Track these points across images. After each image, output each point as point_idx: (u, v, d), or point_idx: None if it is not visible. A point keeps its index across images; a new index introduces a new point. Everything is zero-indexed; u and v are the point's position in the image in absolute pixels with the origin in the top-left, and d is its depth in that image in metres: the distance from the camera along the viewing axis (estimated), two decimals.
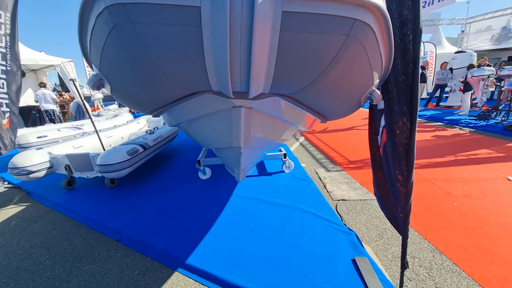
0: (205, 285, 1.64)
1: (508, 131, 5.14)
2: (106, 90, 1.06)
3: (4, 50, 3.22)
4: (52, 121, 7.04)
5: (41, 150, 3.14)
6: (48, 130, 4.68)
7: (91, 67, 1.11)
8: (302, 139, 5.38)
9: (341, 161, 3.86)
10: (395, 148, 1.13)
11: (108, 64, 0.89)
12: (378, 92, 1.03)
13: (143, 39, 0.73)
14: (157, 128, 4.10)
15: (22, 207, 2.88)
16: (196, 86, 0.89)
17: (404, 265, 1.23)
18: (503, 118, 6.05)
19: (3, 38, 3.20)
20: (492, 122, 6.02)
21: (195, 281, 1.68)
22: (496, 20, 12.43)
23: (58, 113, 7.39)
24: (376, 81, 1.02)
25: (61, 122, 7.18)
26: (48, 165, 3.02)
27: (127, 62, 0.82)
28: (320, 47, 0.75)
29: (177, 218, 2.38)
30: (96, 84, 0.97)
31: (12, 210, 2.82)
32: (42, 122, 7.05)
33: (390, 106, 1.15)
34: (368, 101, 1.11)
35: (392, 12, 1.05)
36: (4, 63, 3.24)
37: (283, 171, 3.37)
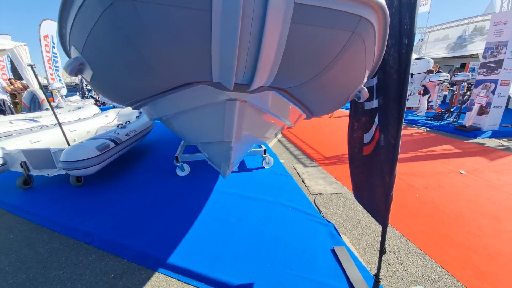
0: (189, 284, 1.60)
1: (458, 130, 5.83)
2: (85, 77, 0.96)
3: None
4: (2, 112, 6.19)
5: None
6: None
7: (66, 51, 0.99)
8: (279, 135, 5.49)
9: (317, 157, 4.02)
10: (387, 143, 1.22)
11: (95, 47, 0.80)
12: (366, 89, 1.10)
13: (145, 20, 0.67)
14: (129, 122, 3.85)
15: None
16: (195, 75, 0.85)
17: (382, 251, 1.34)
18: (455, 119, 6.84)
19: None
20: (445, 123, 6.77)
21: (178, 280, 1.63)
22: (453, 29, 13.81)
23: (9, 104, 6.52)
24: (365, 79, 1.08)
25: (12, 113, 6.34)
26: (0, 161, 2.66)
27: (121, 45, 0.74)
28: (326, 42, 0.76)
29: (155, 216, 2.27)
30: (76, 69, 0.87)
31: None
32: None
33: (386, 105, 1.23)
34: (355, 98, 1.17)
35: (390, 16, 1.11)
36: None
37: (263, 167, 3.41)
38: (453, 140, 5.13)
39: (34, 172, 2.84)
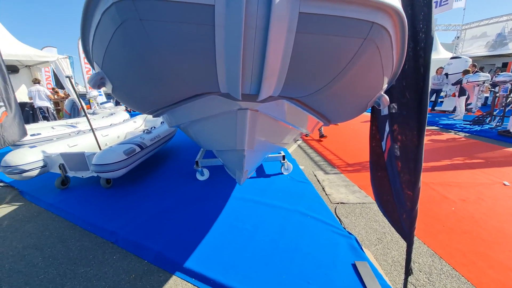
0: None
1: (502, 136, 5.23)
2: (107, 89, 1.03)
3: None
4: (46, 118, 6.91)
5: (35, 148, 3.06)
6: (42, 127, 4.58)
7: (91, 65, 1.08)
8: (300, 141, 5.38)
9: (339, 163, 3.86)
10: (403, 153, 1.12)
11: (112, 63, 0.85)
12: (386, 97, 1.03)
13: (153, 37, 0.70)
14: (154, 127, 4.05)
15: (14, 207, 2.80)
16: (203, 87, 0.86)
17: (408, 271, 1.23)
18: (498, 124, 6.16)
19: None
20: (487, 127, 6.12)
21: (194, 285, 1.64)
22: (491, 27, 12.70)
23: (52, 111, 7.25)
24: (385, 85, 1.01)
25: (55, 119, 7.05)
26: (41, 164, 2.95)
27: (134, 60, 0.79)
28: (336, 50, 0.73)
29: (175, 220, 2.34)
30: (98, 83, 0.94)
31: (4, 209, 2.74)
32: (35, 120, 6.92)
33: (399, 112, 1.14)
34: (375, 105, 1.10)
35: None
36: None
37: (282, 173, 3.35)
38: (496, 147, 4.60)
39: (70, 174, 3.10)
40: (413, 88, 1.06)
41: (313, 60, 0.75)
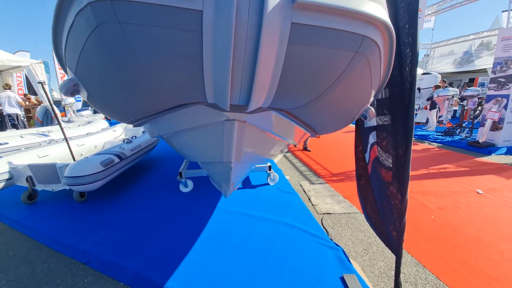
0: None
1: (472, 146, 5.62)
2: (82, 97, 0.95)
3: None
4: (15, 126, 6.40)
5: (0, 159, 2.79)
6: (10, 136, 4.21)
7: (65, 70, 0.99)
8: (286, 150, 5.41)
9: (324, 173, 3.91)
10: (390, 164, 1.14)
11: (86, 68, 0.78)
12: (373, 109, 1.05)
13: (133, 42, 0.64)
14: (135, 136, 3.88)
15: None
16: (189, 97, 0.82)
17: (397, 285, 1.22)
18: (467, 135, 6.62)
19: None
20: (457, 138, 6.55)
21: None
22: (459, 45, 13.90)
23: (22, 118, 6.75)
24: (372, 98, 1.03)
25: (25, 127, 6.55)
26: (7, 176, 2.68)
27: (111, 67, 0.72)
28: (328, 63, 0.72)
29: (156, 235, 2.19)
30: (71, 89, 0.85)
31: None
32: (3, 128, 6.38)
33: (387, 123, 1.17)
34: (361, 117, 1.12)
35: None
36: None
37: (268, 184, 3.32)
38: (467, 157, 4.92)
39: (39, 187, 2.84)
40: (400, 100, 1.09)
41: (305, 72, 0.73)
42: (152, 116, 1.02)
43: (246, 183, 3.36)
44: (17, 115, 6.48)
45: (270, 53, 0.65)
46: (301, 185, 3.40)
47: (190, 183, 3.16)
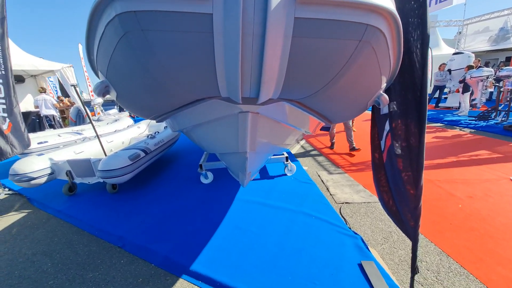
0: None
1: (508, 131, 5.15)
2: (112, 97, 1.06)
3: None
4: (52, 126, 7.03)
5: (42, 156, 3.12)
6: (49, 135, 4.66)
7: (96, 74, 1.11)
8: (303, 141, 5.38)
9: (342, 163, 3.85)
10: (404, 151, 1.13)
11: (116, 71, 0.88)
12: (386, 96, 1.03)
13: (154, 46, 0.73)
14: (158, 132, 4.09)
15: (23, 214, 2.85)
16: (204, 92, 0.88)
17: (414, 270, 1.22)
18: (503, 119, 6.07)
19: None
20: (492, 123, 6.04)
21: (200, 287, 1.66)
22: (493, 21, 12.56)
23: (58, 119, 7.38)
24: (384, 84, 1.02)
25: (61, 127, 7.16)
26: (49, 171, 3.00)
27: (137, 69, 0.81)
28: (332, 53, 0.74)
29: (180, 223, 2.36)
30: (102, 91, 0.96)
31: (13, 217, 2.80)
32: (41, 128, 7.04)
33: (399, 110, 1.15)
34: (375, 104, 1.11)
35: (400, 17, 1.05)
36: None
37: (285, 174, 3.36)
38: (503, 142, 4.54)
39: (77, 180, 3.15)
40: (411, 85, 1.06)
41: (310, 63, 0.76)
42: (172, 111, 1.11)
43: (264, 174, 3.43)
44: (53, 116, 7.10)
45: (275, 48, 0.70)
46: (319, 175, 3.40)
47: (210, 175, 3.30)
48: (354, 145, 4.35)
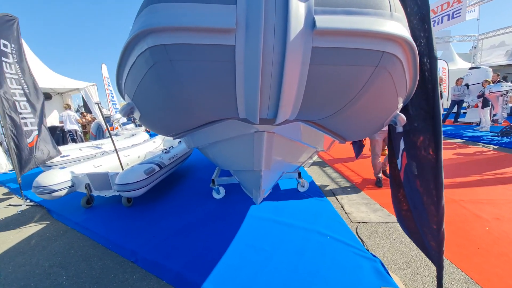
0: None
1: None
2: (135, 116, 1.12)
3: (16, 76, 3.60)
4: (74, 140, 7.41)
5: (64, 169, 3.27)
6: (71, 149, 4.91)
7: (122, 96, 1.18)
8: (315, 157, 5.31)
9: (357, 180, 3.74)
10: (421, 171, 1.09)
11: (142, 96, 0.95)
12: (403, 116, 1.03)
13: (180, 74, 0.78)
14: (172, 147, 4.20)
15: (43, 225, 2.95)
16: (224, 114, 0.93)
17: None
18: None
19: (12, 65, 3.59)
20: None
21: None
22: (509, 35, 12.30)
23: (80, 133, 7.79)
24: (400, 104, 1.02)
25: (82, 141, 7.53)
26: (70, 184, 3.13)
27: (162, 94, 0.87)
28: (348, 78, 0.77)
29: (192, 239, 2.35)
30: (128, 112, 1.03)
31: (32, 228, 2.90)
32: (65, 142, 7.43)
33: (412, 129, 1.13)
34: (391, 123, 1.10)
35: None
36: (20, 87, 3.61)
37: (298, 191, 3.30)
38: None
39: (95, 193, 3.25)
40: (424, 102, 1.05)
41: (327, 88, 0.79)
42: (190, 130, 1.16)
43: (276, 191, 3.39)
44: (76, 131, 7.51)
45: (293, 75, 0.73)
46: (333, 192, 3.31)
47: (222, 190, 3.31)
48: (380, 178, 3.45)
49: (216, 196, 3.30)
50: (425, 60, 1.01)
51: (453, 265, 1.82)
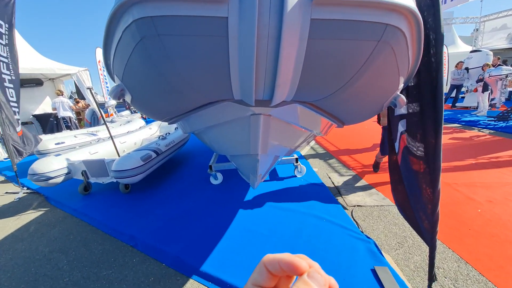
0: None
1: None
2: (127, 100, 1.08)
3: (6, 60, 3.39)
4: (69, 127, 7.29)
5: (59, 156, 3.24)
6: (66, 136, 4.84)
7: (112, 78, 1.13)
8: (312, 142, 5.31)
9: (354, 165, 3.77)
10: (421, 153, 1.09)
11: (131, 76, 0.90)
12: (403, 97, 1.00)
13: (169, 50, 0.73)
14: (169, 133, 4.16)
15: (41, 212, 2.96)
16: (218, 95, 0.89)
17: (432, 278, 1.17)
18: None
19: (5, 48, 3.36)
20: None
21: None
22: (511, 18, 12.02)
23: (74, 120, 7.65)
24: (401, 85, 0.98)
25: (77, 128, 7.42)
26: (66, 171, 3.11)
27: (152, 73, 0.82)
28: (348, 54, 0.72)
29: (190, 224, 2.38)
30: (118, 94, 0.98)
31: (31, 215, 2.91)
32: (59, 129, 7.32)
33: (414, 110, 1.11)
34: (391, 105, 1.07)
35: None
36: (8, 72, 3.42)
37: (295, 176, 3.32)
38: None
39: (92, 180, 3.24)
40: (427, 84, 1.03)
41: (326, 66, 0.75)
42: (185, 114, 1.12)
43: (274, 176, 3.41)
44: (70, 118, 7.37)
45: (291, 51, 0.68)
46: (329, 177, 3.34)
47: (219, 176, 3.32)
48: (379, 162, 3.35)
49: (213, 182, 3.31)
50: (431, 37, 0.96)
51: (444, 245, 1.88)
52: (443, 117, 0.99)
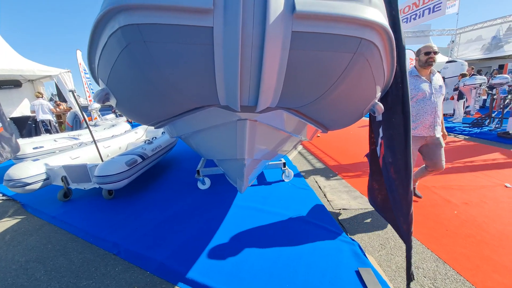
0: None
1: (501, 138, 5.24)
2: (111, 103, 1.07)
3: None
4: (48, 131, 6.97)
5: (37, 161, 3.09)
6: (45, 140, 4.62)
7: (96, 81, 1.12)
8: (300, 147, 5.40)
9: (339, 169, 3.87)
10: (394, 158, 1.15)
11: (116, 80, 0.90)
12: (380, 104, 1.06)
13: (155, 57, 0.74)
14: (155, 137, 4.08)
15: (17, 220, 2.80)
16: (204, 100, 0.90)
17: (410, 277, 1.23)
18: (497, 126, 6.18)
19: None
20: (486, 130, 6.14)
21: None
22: (486, 30, 12.94)
23: (54, 123, 7.33)
24: (379, 93, 1.05)
25: (57, 132, 7.11)
26: (44, 176, 2.97)
27: (138, 78, 0.83)
28: (328, 64, 0.77)
29: (177, 230, 2.34)
30: (103, 98, 0.98)
31: (6, 223, 2.75)
32: (37, 133, 6.98)
33: (388, 117, 1.18)
34: (370, 112, 1.13)
35: None
36: None
37: (283, 180, 3.36)
38: (496, 149, 4.61)
39: (72, 186, 3.11)
40: (394, 93, 1.10)
41: (307, 74, 0.79)
42: (171, 118, 1.12)
43: (261, 180, 3.43)
44: (49, 121, 7.05)
45: (273, 59, 0.72)
46: (316, 181, 3.41)
47: (207, 181, 3.29)
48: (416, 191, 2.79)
49: (201, 187, 3.28)
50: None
51: (423, 245, 1.96)
52: (410, 124, 1.07)
